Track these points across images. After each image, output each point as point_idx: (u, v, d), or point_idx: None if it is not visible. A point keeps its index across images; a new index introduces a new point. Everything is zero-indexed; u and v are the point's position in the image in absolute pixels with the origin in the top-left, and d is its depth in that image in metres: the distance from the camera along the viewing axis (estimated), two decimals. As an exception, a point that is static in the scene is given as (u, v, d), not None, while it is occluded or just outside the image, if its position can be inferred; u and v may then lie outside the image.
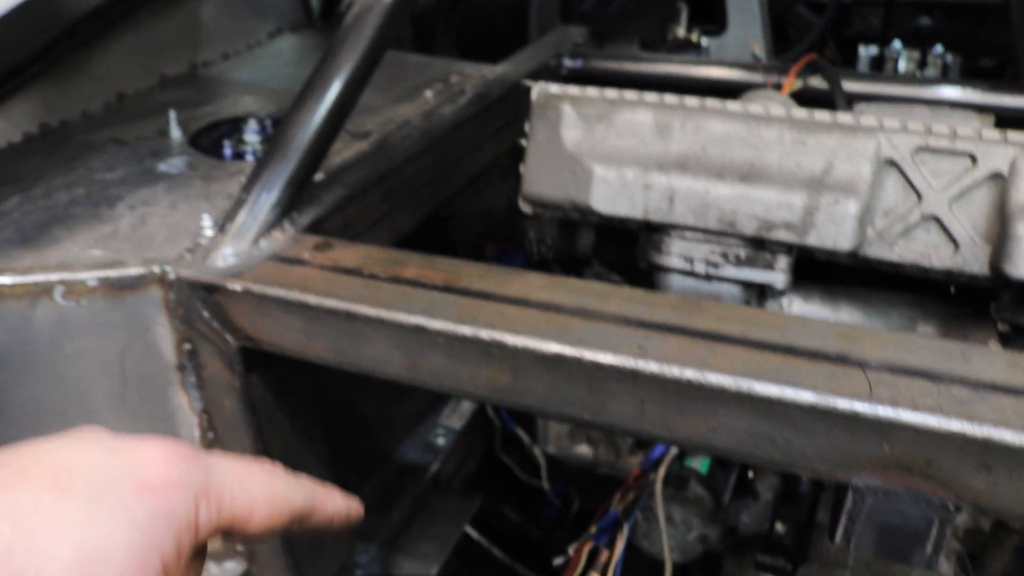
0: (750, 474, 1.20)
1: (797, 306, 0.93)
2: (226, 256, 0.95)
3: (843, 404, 0.68)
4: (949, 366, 0.72)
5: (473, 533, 1.52)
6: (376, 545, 1.24)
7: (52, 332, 0.97)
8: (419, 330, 0.81)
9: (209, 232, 0.99)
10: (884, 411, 0.67)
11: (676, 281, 0.90)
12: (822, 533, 1.13)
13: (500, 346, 0.78)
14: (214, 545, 1.13)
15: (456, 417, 1.46)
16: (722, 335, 0.75)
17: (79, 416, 1.02)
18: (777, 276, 0.87)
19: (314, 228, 1.03)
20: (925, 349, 0.74)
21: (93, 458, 0.46)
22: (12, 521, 0.40)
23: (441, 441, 1.41)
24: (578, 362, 0.74)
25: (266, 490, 0.51)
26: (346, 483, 1.29)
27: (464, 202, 1.47)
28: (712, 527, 1.13)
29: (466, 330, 0.79)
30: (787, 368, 0.71)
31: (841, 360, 0.72)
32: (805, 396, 0.69)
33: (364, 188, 1.12)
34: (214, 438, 1.04)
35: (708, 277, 0.89)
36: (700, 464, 1.14)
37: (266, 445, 1.02)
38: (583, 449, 1.42)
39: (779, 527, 1.07)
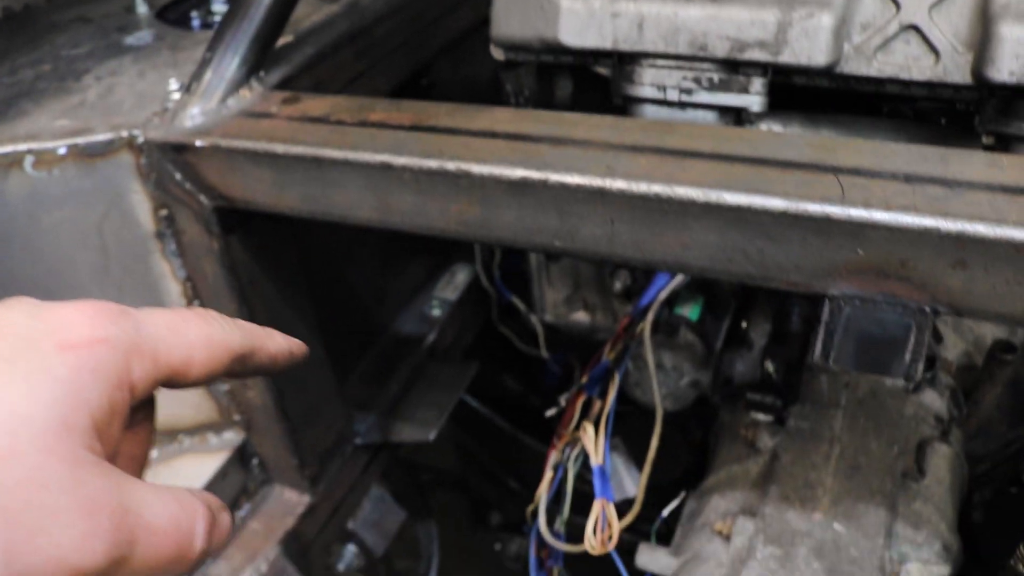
0: (743, 324, 1.19)
1: (776, 131, 0.90)
2: (193, 116, 0.94)
3: (814, 208, 0.66)
4: (925, 168, 0.69)
5: (474, 403, 1.53)
6: (375, 414, 1.24)
7: (27, 205, 0.96)
8: (386, 168, 0.80)
9: (176, 95, 0.97)
10: (856, 212, 0.65)
11: (650, 111, 0.87)
12: (815, 375, 1.12)
13: (467, 176, 0.76)
14: (212, 416, 1.14)
15: (451, 289, 1.45)
16: (692, 151, 0.73)
17: (63, 291, 1.02)
18: (752, 99, 0.85)
19: (283, 87, 1.01)
20: (901, 154, 0.72)
21: (12, 321, 0.43)
22: None
23: (437, 312, 1.41)
24: (544, 185, 0.73)
25: (202, 334, 0.49)
26: (343, 354, 1.30)
27: (446, 70, 1.43)
28: (703, 372, 1.12)
29: (432, 163, 0.77)
30: (758, 177, 0.69)
31: (814, 168, 0.70)
32: (775, 203, 0.67)
33: (334, 47, 1.09)
34: (200, 305, 1.04)
35: (682, 105, 0.86)
36: (690, 311, 1.13)
37: (251, 309, 1.02)
38: (580, 316, 1.41)
39: (768, 366, 1.06)
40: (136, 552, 0.41)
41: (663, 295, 1.04)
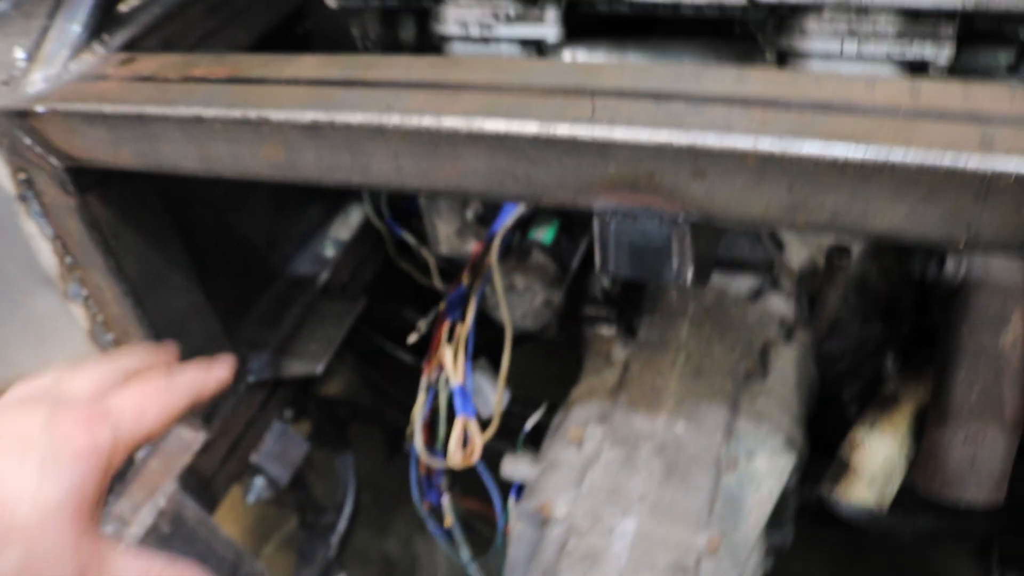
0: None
1: (581, 59, 0.95)
2: (36, 82, 0.98)
3: (563, 129, 0.72)
4: (677, 86, 0.75)
5: (376, 337, 1.59)
6: (268, 352, 1.31)
7: None
8: (198, 120, 0.85)
9: (22, 63, 1.02)
10: (600, 131, 0.71)
11: (458, 48, 0.92)
12: (664, 287, 1.18)
13: (267, 123, 0.81)
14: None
15: (345, 229, 1.50)
16: (467, 84, 0.79)
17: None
18: (548, 29, 0.89)
19: (129, 49, 1.05)
20: (658, 74, 0.77)
21: (32, 432, 0.64)
22: None
23: (330, 252, 1.46)
24: (332, 126, 0.78)
25: (158, 412, 0.72)
26: (235, 298, 1.36)
27: (326, 17, 1.46)
28: (555, 291, 1.18)
29: (237, 113, 0.82)
30: (518, 104, 0.75)
31: (575, 92, 0.75)
32: (529, 127, 0.72)
33: (182, 5, 1.13)
34: (73, 262, 1.09)
35: (485, 40, 0.91)
36: (544, 235, 1.18)
37: (118, 262, 1.08)
38: (472, 246, 1.46)
39: (604, 281, 1.12)
40: None
41: (509, 222, 1.10)
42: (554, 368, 1.50)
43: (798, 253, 1.21)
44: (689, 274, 0.77)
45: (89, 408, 0.67)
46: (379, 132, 0.77)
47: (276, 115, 0.81)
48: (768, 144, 0.67)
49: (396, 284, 1.58)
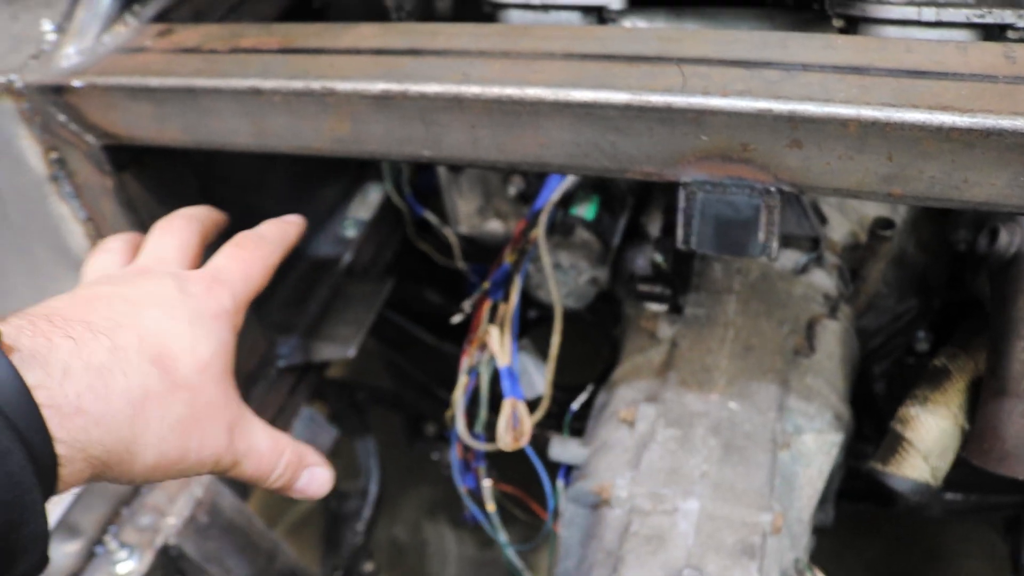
0: (642, 219, 1.23)
1: (637, 26, 0.92)
2: (69, 55, 0.94)
3: (657, 99, 0.69)
4: (765, 53, 0.73)
5: (397, 318, 1.56)
6: (296, 336, 1.27)
7: (-86, 157, 0.96)
8: (255, 92, 0.81)
9: (51, 36, 0.97)
10: (696, 100, 0.69)
11: (515, 16, 0.89)
12: (709, 263, 1.16)
13: (333, 94, 0.78)
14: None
15: (364, 208, 1.47)
16: (545, 53, 0.76)
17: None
18: (611, -3, 0.87)
19: (160, 20, 1.01)
20: (744, 41, 0.74)
21: (176, 295, 0.69)
22: (153, 337, 0.64)
23: (351, 232, 1.43)
24: (405, 96, 0.75)
25: (260, 265, 0.78)
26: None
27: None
28: (600, 269, 1.16)
29: (298, 84, 0.79)
30: (604, 73, 0.72)
31: (659, 60, 0.73)
32: (620, 96, 0.70)
33: (212, -24, 1.09)
34: (103, 245, 1.05)
35: (545, 7, 0.88)
36: (586, 211, 1.16)
37: (153, 244, 1.04)
38: (494, 225, 1.43)
39: (657, 257, 1.10)
40: (240, 463, 0.69)
41: (555, 197, 1.07)
42: (579, 348, 1.48)
43: (840, 226, 1.20)
44: (774, 248, 0.75)
45: (206, 276, 0.73)
46: (456, 103, 0.74)
47: (343, 86, 0.77)
48: (872, 112, 0.65)
49: (414, 264, 1.55)
